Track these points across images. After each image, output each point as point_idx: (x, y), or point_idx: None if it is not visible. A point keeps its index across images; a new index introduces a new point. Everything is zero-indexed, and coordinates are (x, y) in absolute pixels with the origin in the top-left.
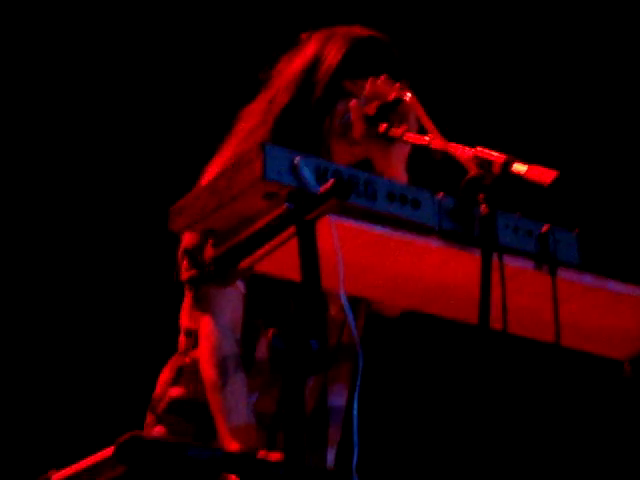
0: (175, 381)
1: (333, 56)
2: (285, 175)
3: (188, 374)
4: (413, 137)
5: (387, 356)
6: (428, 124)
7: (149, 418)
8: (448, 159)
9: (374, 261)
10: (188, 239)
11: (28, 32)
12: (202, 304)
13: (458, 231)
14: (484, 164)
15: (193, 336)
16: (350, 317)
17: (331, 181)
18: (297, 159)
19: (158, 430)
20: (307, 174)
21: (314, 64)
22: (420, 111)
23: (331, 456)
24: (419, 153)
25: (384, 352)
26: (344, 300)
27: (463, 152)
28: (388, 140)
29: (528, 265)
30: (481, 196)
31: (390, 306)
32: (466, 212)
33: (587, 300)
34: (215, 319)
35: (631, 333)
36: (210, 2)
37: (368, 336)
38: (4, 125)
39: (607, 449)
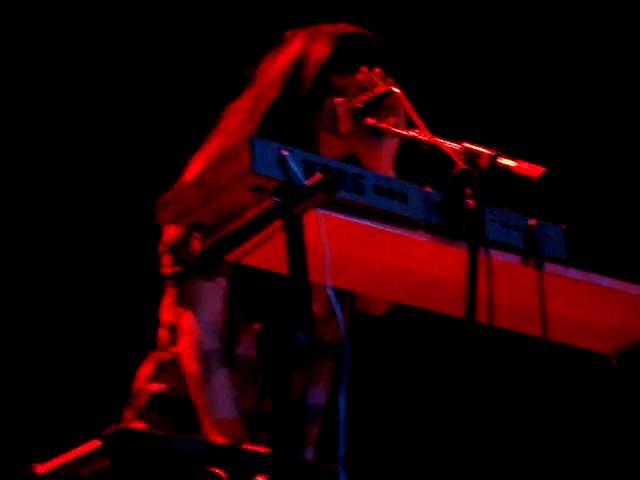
0: (155, 376)
1: (320, 51)
2: (273, 168)
3: (169, 370)
4: (401, 131)
5: (373, 349)
6: (416, 118)
7: (128, 413)
8: (436, 153)
9: (361, 255)
10: (170, 234)
11: (28, 32)
12: (184, 300)
13: (445, 225)
14: (472, 158)
15: (175, 331)
16: (338, 309)
17: (319, 175)
18: (285, 152)
19: (138, 426)
20: (295, 167)
21: (300, 60)
22: (408, 105)
23: (309, 455)
24: (407, 147)
25: (370, 346)
26: (331, 293)
27: (451, 146)
28: (377, 135)
29: (515, 259)
30: (468, 190)
31: (375, 304)
32: (454, 206)
33: (574, 295)
34: (197, 315)
35: (617, 328)
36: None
37: (353, 331)
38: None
39: (594, 443)
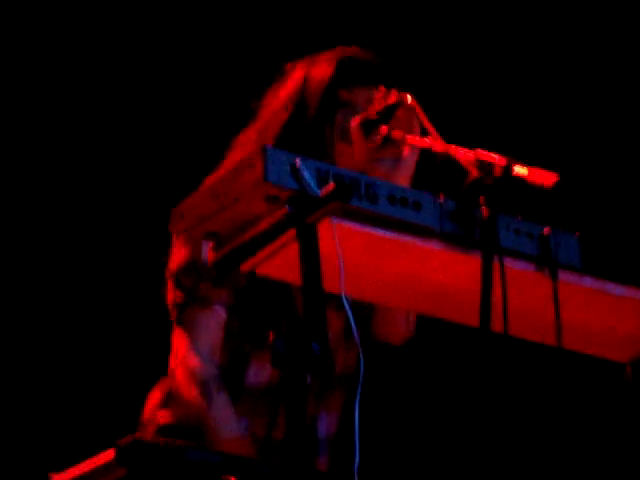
0: (164, 404)
1: (323, 70)
2: (286, 178)
3: (175, 399)
4: (414, 140)
5: (388, 359)
6: (429, 126)
7: None
8: (449, 161)
9: (375, 264)
10: (175, 261)
11: (27, 32)
12: (182, 327)
13: (459, 233)
14: (485, 166)
15: None
16: (351, 317)
17: (332, 184)
18: (298, 162)
19: None
20: (308, 177)
21: (304, 83)
22: (421, 113)
23: None
24: (420, 156)
25: (385, 355)
26: (345, 302)
27: (464, 154)
28: (388, 143)
29: (529, 268)
30: (482, 198)
31: (394, 333)
32: (467, 214)
33: (588, 303)
34: (193, 343)
35: (632, 336)
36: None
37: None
38: (4, 125)
39: (608, 451)
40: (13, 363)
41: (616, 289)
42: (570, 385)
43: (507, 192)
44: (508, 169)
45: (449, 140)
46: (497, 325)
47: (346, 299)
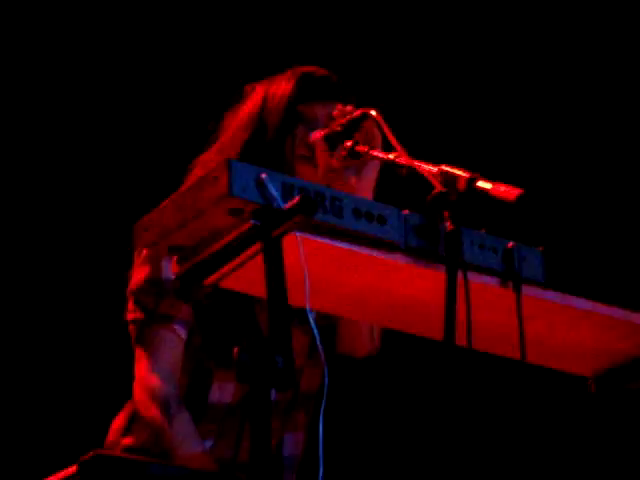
0: (127, 430)
1: (283, 87)
2: (251, 191)
3: (141, 422)
4: (378, 153)
5: (352, 373)
6: (393, 141)
7: None
8: (413, 176)
9: (340, 277)
10: (135, 279)
11: (27, 31)
12: (142, 346)
13: (424, 247)
14: (449, 181)
15: None
16: (316, 332)
17: (297, 197)
18: (263, 175)
19: None
20: (273, 190)
21: (264, 100)
22: (385, 128)
23: None
24: (384, 170)
25: (349, 369)
26: (310, 316)
27: (428, 169)
28: (354, 157)
29: (493, 282)
30: (446, 213)
31: (359, 346)
32: (432, 229)
33: (552, 317)
34: (153, 362)
35: (595, 350)
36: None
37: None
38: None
39: (572, 465)
40: None
41: (579, 303)
42: (533, 399)
43: (471, 207)
44: (472, 183)
45: (413, 155)
46: (461, 339)
47: (311, 314)
